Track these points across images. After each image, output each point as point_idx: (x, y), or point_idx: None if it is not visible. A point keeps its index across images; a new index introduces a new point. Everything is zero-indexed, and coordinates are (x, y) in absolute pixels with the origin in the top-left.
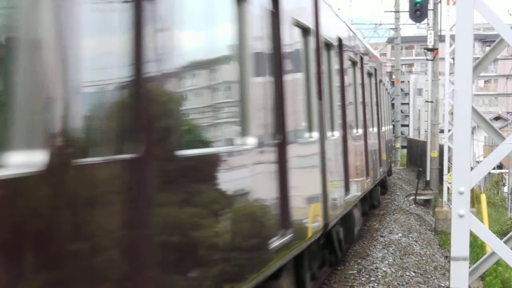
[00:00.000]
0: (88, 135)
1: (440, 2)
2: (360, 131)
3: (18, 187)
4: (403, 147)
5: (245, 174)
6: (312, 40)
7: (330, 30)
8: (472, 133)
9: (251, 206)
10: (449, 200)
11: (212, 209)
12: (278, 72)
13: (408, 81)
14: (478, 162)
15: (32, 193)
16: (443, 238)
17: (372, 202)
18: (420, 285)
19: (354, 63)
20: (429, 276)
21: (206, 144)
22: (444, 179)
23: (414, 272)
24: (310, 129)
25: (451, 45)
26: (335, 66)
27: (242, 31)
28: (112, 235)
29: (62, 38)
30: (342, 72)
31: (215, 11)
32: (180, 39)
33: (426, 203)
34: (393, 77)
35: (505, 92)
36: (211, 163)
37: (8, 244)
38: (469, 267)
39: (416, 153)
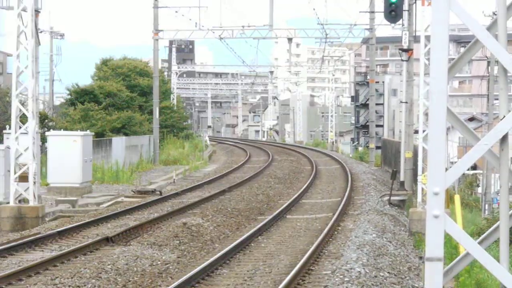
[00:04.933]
0: None
1: (415, 2)
2: None
3: None
4: (377, 147)
5: None
6: None
7: None
8: (447, 133)
9: None
10: (423, 200)
11: None
12: None
13: (383, 82)
14: (452, 163)
15: None
16: (417, 238)
17: None
18: (394, 285)
19: None
20: (403, 277)
21: None
22: (418, 180)
23: (388, 272)
24: None
25: (426, 45)
26: None
27: None
28: None
29: None
30: None
31: None
32: None
33: (401, 203)
34: (368, 77)
35: (479, 93)
36: None
37: None
38: (444, 268)
39: (390, 153)
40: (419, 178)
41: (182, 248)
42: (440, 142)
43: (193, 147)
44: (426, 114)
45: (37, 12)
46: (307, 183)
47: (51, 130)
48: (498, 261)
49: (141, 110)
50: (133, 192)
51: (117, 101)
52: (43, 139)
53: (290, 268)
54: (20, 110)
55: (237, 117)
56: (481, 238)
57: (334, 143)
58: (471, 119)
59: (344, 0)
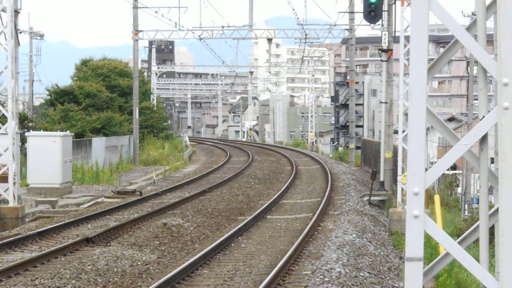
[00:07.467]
0: None
1: (395, 3)
2: None
3: None
4: (357, 147)
5: None
6: None
7: None
8: (426, 134)
9: None
10: (403, 201)
11: None
12: None
13: (363, 82)
14: (432, 163)
15: None
16: (397, 238)
17: None
18: (374, 285)
19: None
20: (383, 277)
21: None
22: (398, 180)
23: (369, 272)
24: None
25: (405, 46)
26: None
27: None
28: None
29: None
30: None
31: None
32: None
33: (380, 203)
34: (348, 77)
35: (459, 93)
36: None
37: None
38: (424, 268)
39: (370, 153)
40: (399, 178)
41: (162, 248)
42: (420, 142)
43: (173, 148)
44: (406, 114)
45: (16, 12)
46: (287, 183)
47: (31, 130)
48: (478, 261)
49: (121, 110)
50: (113, 192)
51: (97, 102)
52: (23, 140)
53: (270, 268)
54: (0, 110)
55: (217, 118)
56: (461, 238)
57: (314, 143)
58: (451, 119)
59: (324, 0)
